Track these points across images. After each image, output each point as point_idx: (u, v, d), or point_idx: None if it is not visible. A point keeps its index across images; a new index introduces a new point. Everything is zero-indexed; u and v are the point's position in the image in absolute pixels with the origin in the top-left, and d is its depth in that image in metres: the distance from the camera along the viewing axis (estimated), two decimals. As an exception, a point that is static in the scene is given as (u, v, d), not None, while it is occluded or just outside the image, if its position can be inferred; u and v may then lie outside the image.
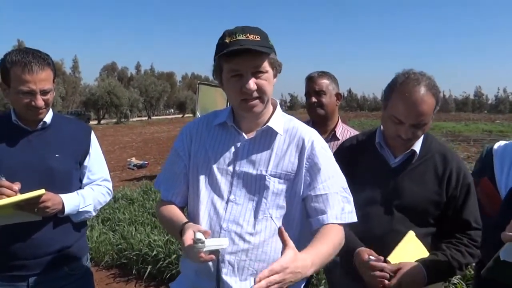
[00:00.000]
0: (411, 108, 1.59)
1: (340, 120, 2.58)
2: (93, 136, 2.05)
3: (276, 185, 1.45)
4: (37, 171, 1.80)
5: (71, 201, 1.84)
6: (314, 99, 2.49)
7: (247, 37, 1.37)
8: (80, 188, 1.98)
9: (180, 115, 69.82)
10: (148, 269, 4.12)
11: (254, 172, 1.46)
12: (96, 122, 45.10)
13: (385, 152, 1.78)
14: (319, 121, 2.51)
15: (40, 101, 1.76)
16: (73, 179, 1.93)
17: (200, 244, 1.23)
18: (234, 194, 1.46)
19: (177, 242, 3.95)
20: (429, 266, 1.61)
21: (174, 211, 1.53)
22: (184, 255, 1.33)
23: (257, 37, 1.38)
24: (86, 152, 1.99)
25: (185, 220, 1.43)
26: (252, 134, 1.50)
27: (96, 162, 2.04)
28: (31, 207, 1.68)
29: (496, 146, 1.78)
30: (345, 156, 1.85)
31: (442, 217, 1.71)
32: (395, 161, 1.76)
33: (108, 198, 2.09)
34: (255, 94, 1.40)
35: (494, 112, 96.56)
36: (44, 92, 1.78)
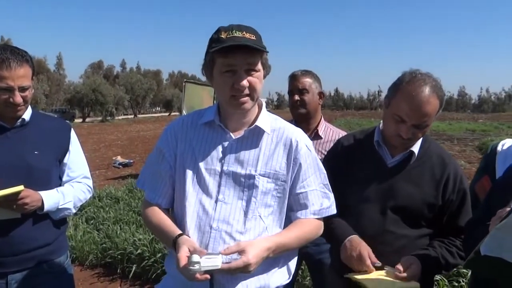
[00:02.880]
0: (416, 107, 1.57)
1: (322, 119, 2.59)
2: (72, 133, 2.03)
3: (265, 184, 1.46)
4: (16, 169, 1.77)
5: (51, 198, 1.82)
6: (297, 97, 2.49)
7: (244, 35, 1.39)
8: (60, 185, 1.96)
9: (167, 114, 69.39)
10: (133, 268, 4.09)
11: (243, 171, 1.46)
12: (81, 120, 44.54)
13: (382, 151, 1.76)
14: (302, 119, 2.52)
15: (18, 98, 1.74)
16: (52, 177, 1.91)
17: (196, 266, 1.25)
18: (223, 193, 1.46)
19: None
20: (421, 260, 1.61)
21: (163, 219, 1.51)
22: (171, 256, 1.35)
23: (253, 36, 1.41)
24: (65, 149, 1.97)
25: (178, 231, 1.43)
26: (239, 134, 1.50)
27: (76, 159, 2.02)
28: (9, 204, 1.66)
29: (499, 146, 1.79)
30: (342, 153, 1.86)
31: (437, 221, 1.71)
32: (392, 160, 1.74)
33: (88, 195, 2.07)
34: (246, 91, 1.42)
35: (477, 111, 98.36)
36: (22, 89, 1.76)
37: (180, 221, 1.50)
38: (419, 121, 1.60)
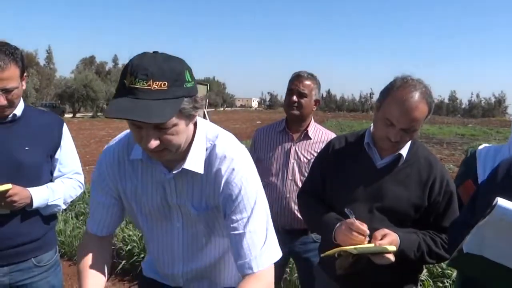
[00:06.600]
0: (405, 113, 1.61)
1: (312, 120, 2.62)
2: (65, 129, 2.01)
3: (206, 218, 1.40)
4: (5, 165, 1.76)
5: (40, 195, 1.82)
6: (295, 99, 2.49)
7: (149, 86, 1.07)
8: (51, 181, 1.95)
9: (159, 111, 68.77)
10: (122, 263, 4.10)
11: (184, 205, 1.39)
12: (71, 115, 44.07)
13: (372, 153, 1.80)
14: (294, 120, 2.54)
15: (1, 100, 1.70)
16: (43, 172, 1.90)
17: None
18: (171, 223, 1.44)
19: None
20: (402, 238, 1.63)
21: (83, 272, 1.36)
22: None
23: (164, 84, 1.08)
24: (57, 145, 1.95)
25: None
26: (175, 168, 1.34)
27: (67, 155, 2.00)
28: None
29: (479, 149, 1.84)
30: (333, 154, 1.89)
31: (422, 221, 1.74)
32: (381, 162, 1.78)
33: (79, 191, 2.06)
34: (160, 147, 1.18)
35: (468, 116, 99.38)
36: (7, 91, 1.70)
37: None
38: (408, 126, 1.64)
